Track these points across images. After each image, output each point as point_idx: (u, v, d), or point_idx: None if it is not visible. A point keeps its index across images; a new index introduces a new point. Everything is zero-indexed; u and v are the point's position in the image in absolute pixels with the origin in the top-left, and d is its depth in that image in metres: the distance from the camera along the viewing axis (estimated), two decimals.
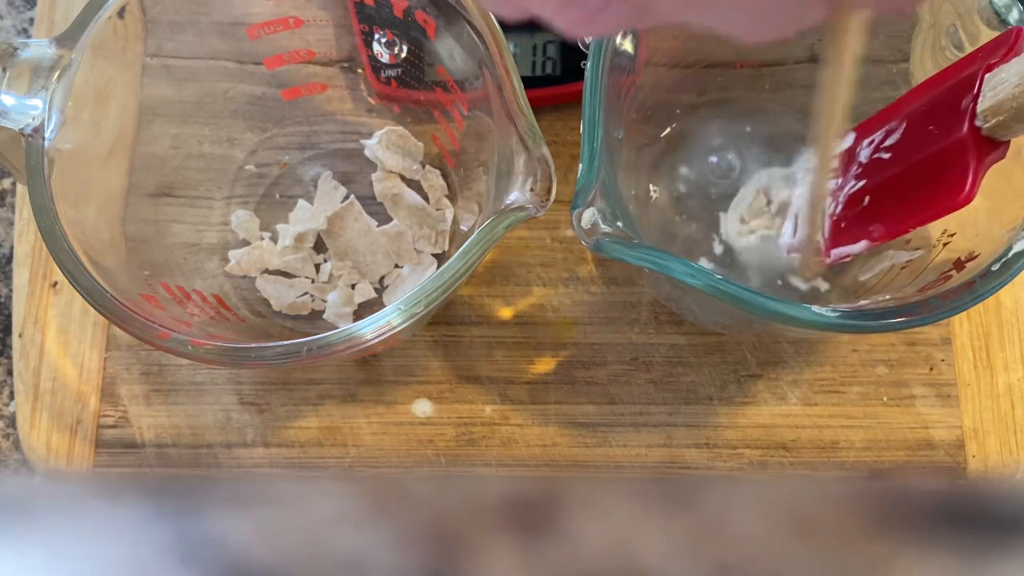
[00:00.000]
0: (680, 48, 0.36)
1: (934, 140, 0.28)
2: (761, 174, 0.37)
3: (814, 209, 0.32)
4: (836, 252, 0.31)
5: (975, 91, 0.27)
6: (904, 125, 0.30)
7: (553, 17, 0.18)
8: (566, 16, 0.18)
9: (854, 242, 0.31)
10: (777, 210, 0.37)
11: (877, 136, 0.31)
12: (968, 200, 0.27)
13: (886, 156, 0.30)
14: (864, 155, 0.31)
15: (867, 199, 0.31)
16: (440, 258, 0.38)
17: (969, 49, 0.31)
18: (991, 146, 0.27)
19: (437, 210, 0.39)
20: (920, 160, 0.29)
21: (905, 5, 0.17)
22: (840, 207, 0.32)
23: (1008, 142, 0.27)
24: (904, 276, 0.32)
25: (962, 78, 0.28)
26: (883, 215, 0.30)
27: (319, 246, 0.38)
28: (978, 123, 0.27)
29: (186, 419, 0.37)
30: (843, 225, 0.31)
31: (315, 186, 0.39)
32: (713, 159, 0.38)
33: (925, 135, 0.29)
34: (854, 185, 0.31)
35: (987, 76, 0.27)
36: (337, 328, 0.29)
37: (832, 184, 0.31)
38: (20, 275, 0.38)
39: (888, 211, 0.30)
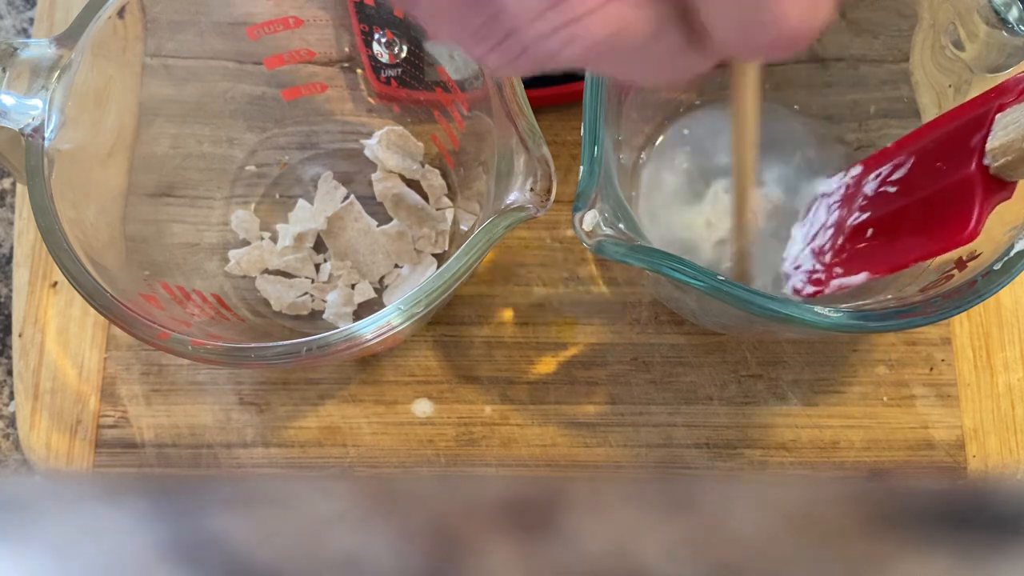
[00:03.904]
0: None
1: (941, 176, 0.28)
2: (718, 182, 0.37)
3: (739, 229, 0.33)
4: (836, 283, 0.31)
5: (985, 130, 0.26)
6: (912, 160, 0.29)
7: (466, 49, 0.19)
8: (477, 49, 0.19)
9: (855, 273, 0.30)
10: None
11: (884, 170, 0.31)
12: (972, 237, 0.27)
13: (892, 190, 0.30)
14: (870, 188, 0.31)
15: (871, 231, 0.30)
16: (440, 258, 0.38)
17: (969, 48, 0.31)
18: (998, 186, 0.27)
19: (437, 210, 0.39)
20: (926, 195, 0.28)
21: (779, 51, 0.18)
22: (844, 239, 0.31)
23: (1015, 183, 0.27)
24: (905, 276, 0.32)
25: (973, 116, 0.27)
26: (886, 248, 0.30)
27: (319, 246, 0.38)
28: (986, 161, 0.26)
29: (186, 419, 0.37)
30: (845, 256, 0.31)
31: (315, 186, 0.39)
32: (712, 160, 0.38)
33: (932, 171, 0.28)
34: (858, 217, 0.31)
35: (998, 116, 0.26)
36: (337, 328, 0.29)
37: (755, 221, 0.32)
38: (20, 275, 0.38)
39: (891, 244, 0.30)
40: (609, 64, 0.19)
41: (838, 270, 0.31)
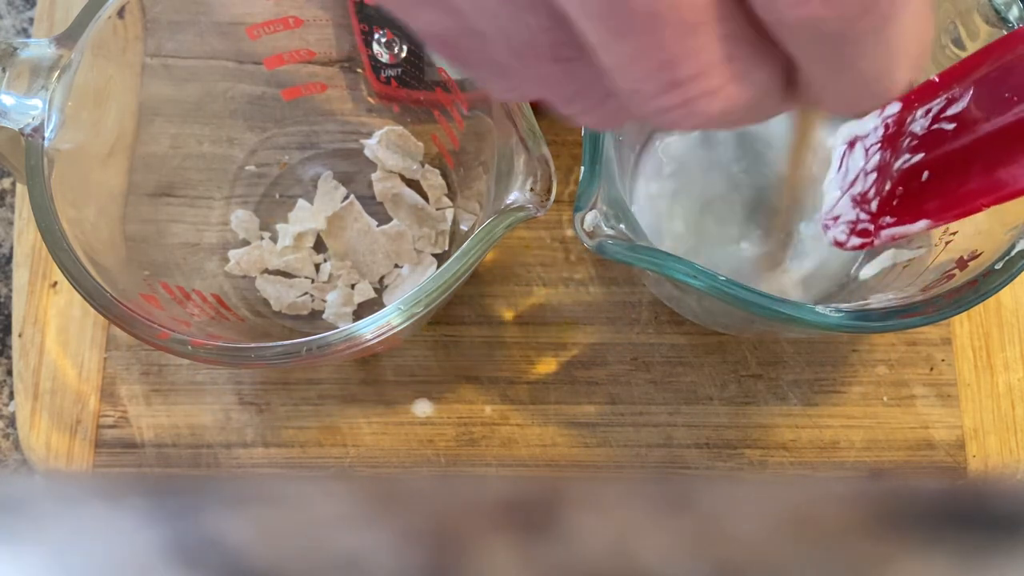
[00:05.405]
0: None
1: (1013, 106, 0.25)
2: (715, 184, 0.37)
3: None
4: (887, 233, 0.28)
5: None
6: (971, 91, 0.27)
7: (563, 109, 0.20)
8: (571, 109, 0.20)
9: (912, 221, 0.28)
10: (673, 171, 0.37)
11: (935, 105, 0.28)
12: None
13: (949, 127, 0.27)
14: (920, 126, 0.28)
15: (927, 174, 0.27)
16: (440, 258, 0.38)
17: (970, 47, 0.31)
18: None
19: (437, 210, 0.39)
20: (997, 130, 0.26)
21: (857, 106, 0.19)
22: (892, 183, 0.28)
23: None
24: (906, 275, 0.32)
25: None
26: (949, 193, 0.27)
27: (319, 246, 0.38)
28: None
29: (186, 419, 0.37)
30: (896, 204, 0.28)
31: (315, 186, 0.39)
32: (710, 157, 0.38)
33: (999, 102, 0.26)
34: (909, 159, 0.28)
35: None
36: (337, 328, 0.29)
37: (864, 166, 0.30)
38: (20, 275, 0.38)
39: (956, 188, 0.27)
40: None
41: (888, 219, 0.28)
